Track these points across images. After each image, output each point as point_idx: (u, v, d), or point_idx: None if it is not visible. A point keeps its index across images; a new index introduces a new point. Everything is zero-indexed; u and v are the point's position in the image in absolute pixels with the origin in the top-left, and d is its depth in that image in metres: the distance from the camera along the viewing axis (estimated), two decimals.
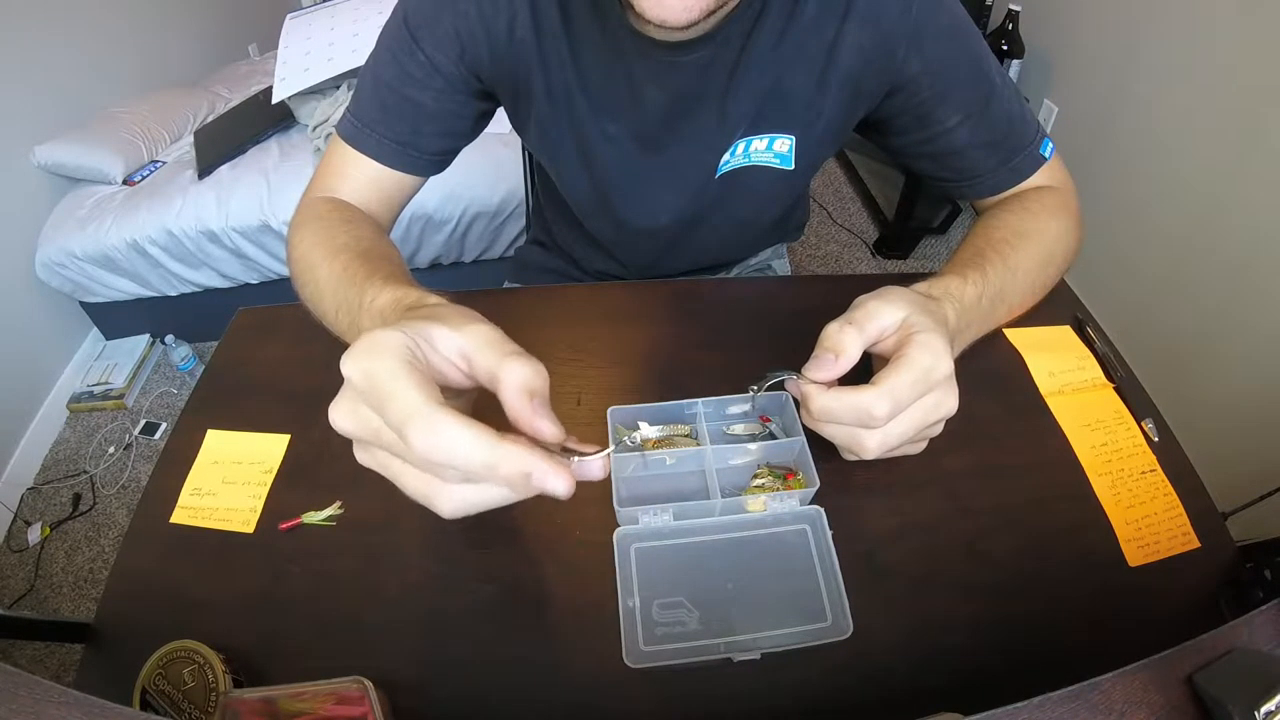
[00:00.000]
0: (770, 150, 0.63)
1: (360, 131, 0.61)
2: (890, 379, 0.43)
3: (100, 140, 1.86)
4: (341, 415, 0.35)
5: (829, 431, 0.46)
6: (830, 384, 0.46)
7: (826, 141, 0.64)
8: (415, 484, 0.35)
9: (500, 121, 0.68)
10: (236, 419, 0.60)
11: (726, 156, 0.64)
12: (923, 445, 0.50)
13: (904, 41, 0.55)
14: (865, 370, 0.47)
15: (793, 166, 0.64)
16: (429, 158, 0.64)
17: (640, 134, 0.63)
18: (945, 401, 0.45)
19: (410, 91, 0.59)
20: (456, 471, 0.32)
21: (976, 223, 0.62)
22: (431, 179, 0.67)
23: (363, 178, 0.63)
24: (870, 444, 0.45)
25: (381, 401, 0.32)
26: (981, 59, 0.58)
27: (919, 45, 0.55)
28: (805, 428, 0.51)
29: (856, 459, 0.47)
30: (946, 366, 0.44)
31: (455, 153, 0.67)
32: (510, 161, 1.67)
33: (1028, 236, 0.57)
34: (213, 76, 2.45)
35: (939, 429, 0.47)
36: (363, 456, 0.37)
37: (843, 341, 0.45)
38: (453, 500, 0.35)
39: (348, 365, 0.33)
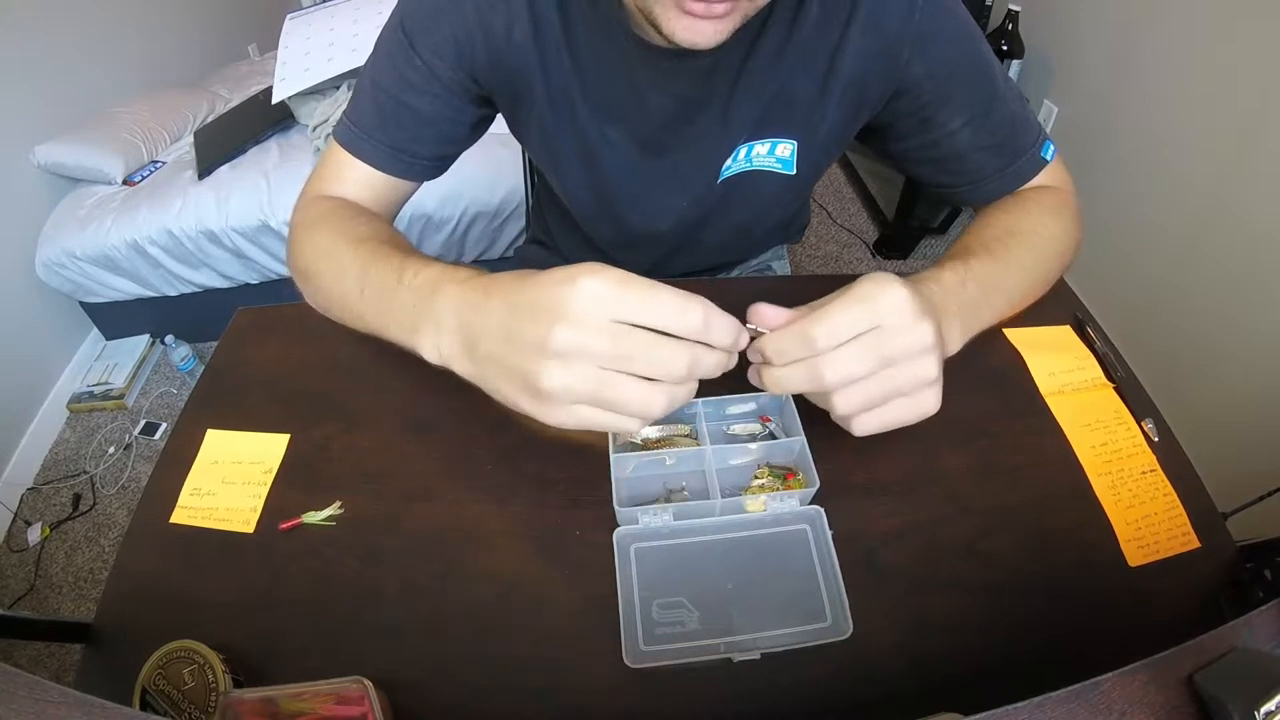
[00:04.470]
0: (772, 155, 0.63)
1: (356, 137, 0.61)
2: (824, 304, 0.43)
3: (100, 140, 1.86)
4: (565, 350, 0.37)
5: (787, 375, 0.43)
6: None
7: (829, 146, 0.64)
8: (633, 392, 0.38)
9: (500, 121, 0.68)
10: (236, 419, 0.60)
11: (729, 161, 0.63)
12: (930, 398, 0.44)
13: (908, 46, 0.55)
14: None
15: (794, 171, 0.64)
16: (425, 163, 0.64)
17: (642, 138, 0.63)
18: (910, 330, 0.42)
19: (407, 97, 0.59)
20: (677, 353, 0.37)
21: (971, 222, 0.62)
22: (433, 180, 0.67)
23: (358, 182, 0.63)
24: (828, 374, 0.42)
25: (635, 292, 0.37)
26: (985, 62, 0.58)
27: (922, 50, 0.55)
28: (805, 431, 0.51)
29: (840, 417, 0.45)
30: (896, 294, 0.42)
31: (452, 158, 0.67)
32: (510, 161, 1.66)
33: (1021, 233, 0.57)
34: (213, 76, 2.45)
35: (927, 367, 0.43)
36: (566, 405, 0.39)
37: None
38: (665, 399, 0.38)
39: (581, 286, 0.37)
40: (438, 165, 0.66)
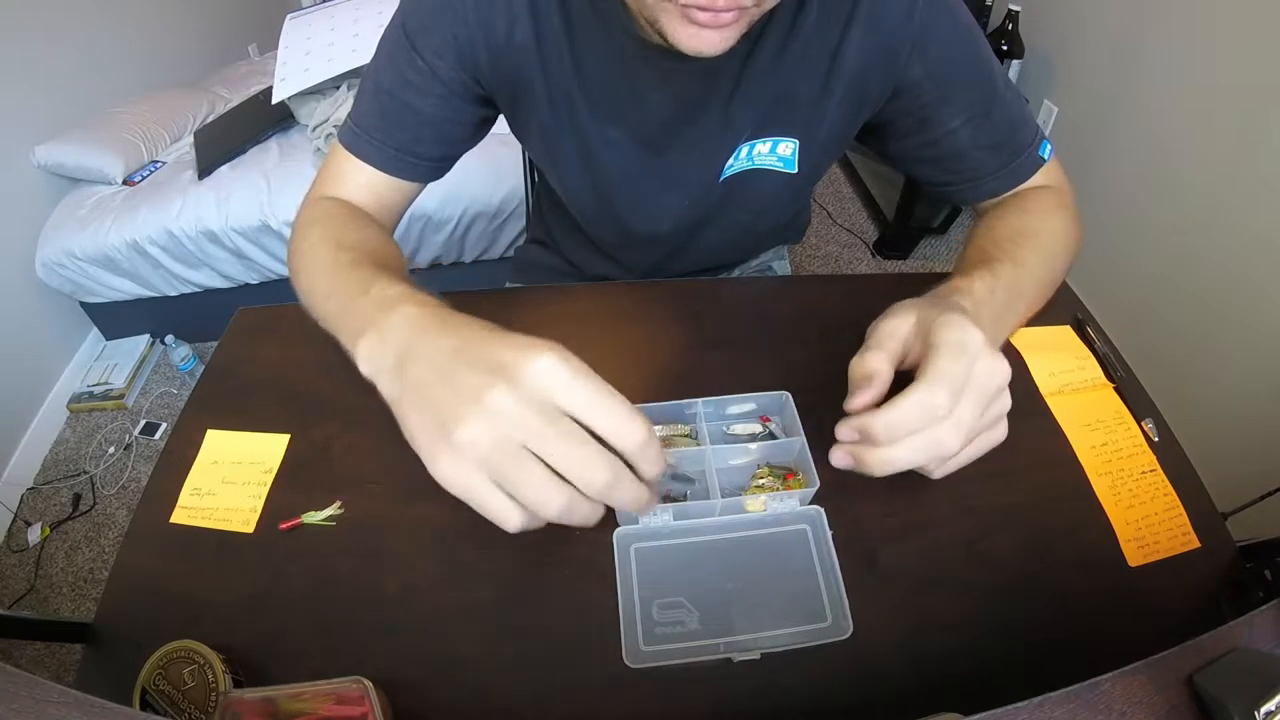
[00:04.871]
0: (774, 154, 0.63)
1: (359, 138, 0.61)
2: (930, 365, 0.40)
3: (100, 140, 1.86)
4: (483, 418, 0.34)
5: (904, 453, 0.41)
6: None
7: (830, 146, 0.64)
8: (538, 477, 0.35)
9: (501, 121, 0.68)
10: (236, 419, 0.60)
11: (730, 160, 0.64)
12: (1003, 428, 0.44)
13: (908, 45, 0.55)
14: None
15: (796, 170, 0.64)
16: (427, 164, 0.64)
17: (643, 139, 0.63)
18: (996, 367, 0.41)
19: (409, 98, 0.59)
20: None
21: (976, 225, 0.62)
22: (434, 180, 0.67)
23: (361, 184, 0.63)
24: (950, 438, 0.40)
25: (588, 385, 0.34)
26: (984, 61, 0.58)
27: (923, 49, 0.55)
28: (805, 431, 0.50)
29: (943, 474, 0.44)
30: (977, 335, 0.41)
31: (454, 159, 0.66)
32: (510, 161, 1.66)
33: (1029, 234, 0.57)
34: (213, 76, 2.45)
35: (1006, 400, 0.43)
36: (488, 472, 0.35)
37: (869, 366, 0.44)
38: (564, 501, 0.35)
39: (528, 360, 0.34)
40: (439, 166, 0.66)
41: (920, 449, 0.40)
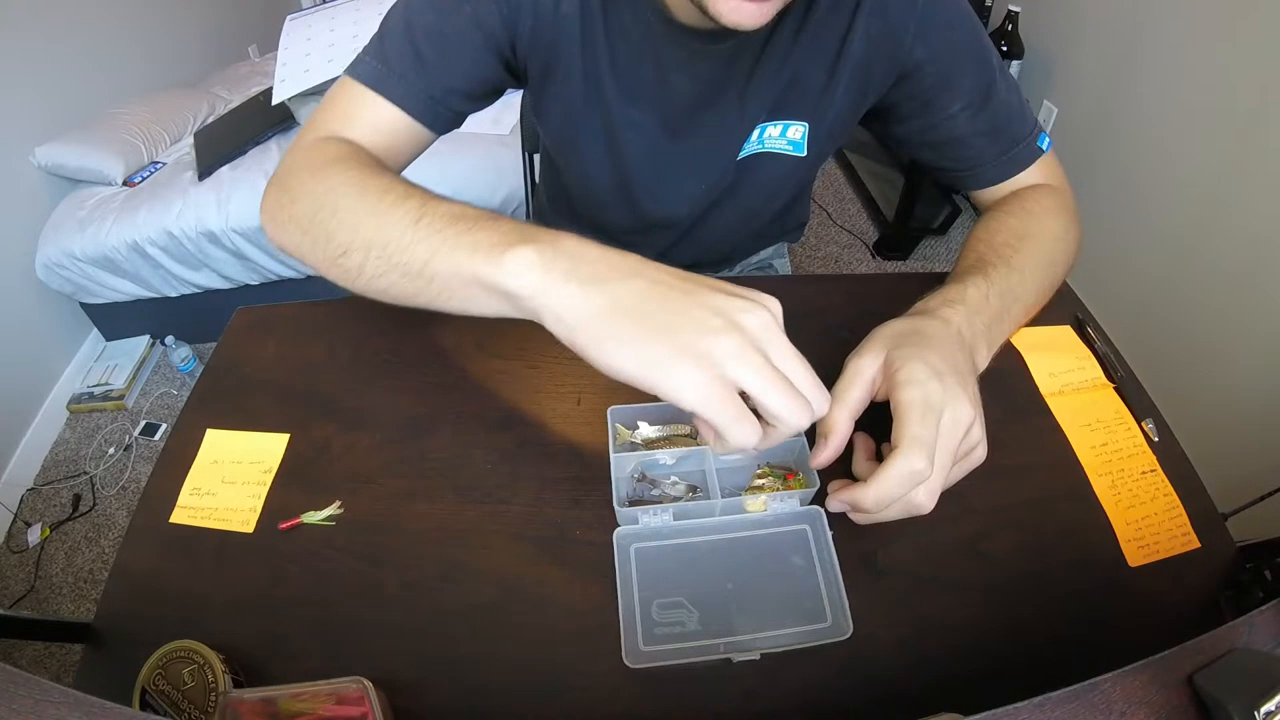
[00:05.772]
0: (784, 137, 0.64)
1: (386, 77, 0.57)
2: (904, 432, 0.43)
3: (100, 141, 1.86)
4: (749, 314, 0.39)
5: (890, 514, 0.45)
6: (869, 458, 0.49)
7: (837, 130, 0.65)
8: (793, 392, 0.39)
9: (501, 122, 0.68)
10: (236, 418, 0.60)
11: (743, 144, 0.64)
12: (980, 452, 0.47)
13: (911, 30, 0.57)
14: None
15: (804, 154, 0.65)
16: (448, 116, 0.61)
17: (665, 121, 0.64)
18: (960, 414, 0.43)
19: (449, 45, 0.57)
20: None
21: (977, 227, 0.62)
22: (432, 179, 0.66)
23: (378, 124, 0.58)
24: (924, 500, 0.44)
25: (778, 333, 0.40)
26: (984, 49, 0.60)
27: (925, 34, 0.57)
28: (805, 431, 0.50)
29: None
30: (936, 389, 0.43)
31: (462, 121, 0.64)
32: (510, 161, 1.66)
33: (1028, 238, 0.58)
34: (213, 77, 2.45)
35: (976, 433, 0.45)
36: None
37: (828, 422, 0.46)
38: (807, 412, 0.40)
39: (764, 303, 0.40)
40: (455, 122, 0.63)
41: (900, 510, 0.45)
